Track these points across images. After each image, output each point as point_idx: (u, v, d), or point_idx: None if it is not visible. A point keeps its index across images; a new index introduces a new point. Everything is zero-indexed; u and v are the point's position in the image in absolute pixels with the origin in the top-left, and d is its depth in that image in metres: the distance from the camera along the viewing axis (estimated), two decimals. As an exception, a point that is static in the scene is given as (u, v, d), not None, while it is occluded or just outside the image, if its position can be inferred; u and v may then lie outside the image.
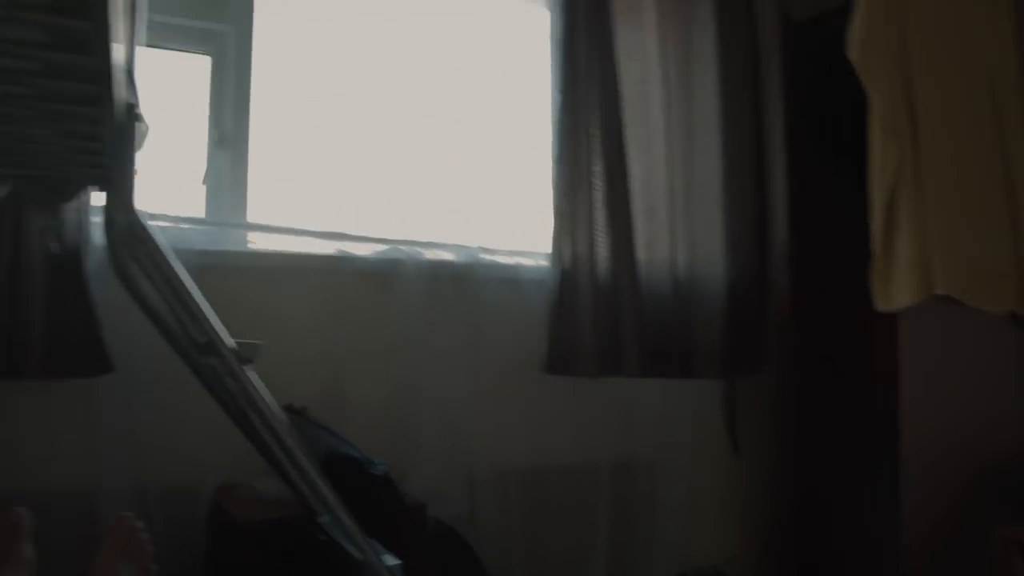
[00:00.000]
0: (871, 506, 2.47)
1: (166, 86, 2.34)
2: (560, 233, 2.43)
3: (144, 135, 1.60)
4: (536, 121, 2.62)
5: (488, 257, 2.47)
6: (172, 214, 2.19)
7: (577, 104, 2.47)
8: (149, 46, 2.31)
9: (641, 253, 2.52)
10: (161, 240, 1.34)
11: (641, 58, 2.62)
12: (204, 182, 2.33)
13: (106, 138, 1.28)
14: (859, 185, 2.26)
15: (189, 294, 1.35)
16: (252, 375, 1.39)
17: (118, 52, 1.00)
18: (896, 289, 2.10)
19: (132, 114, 1.30)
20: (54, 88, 1.06)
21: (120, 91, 1.12)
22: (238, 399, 1.52)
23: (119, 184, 1.32)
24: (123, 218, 1.32)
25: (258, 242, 2.31)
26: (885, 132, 2.05)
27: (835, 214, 2.67)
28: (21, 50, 0.99)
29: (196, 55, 2.41)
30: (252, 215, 2.36)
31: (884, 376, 2.37)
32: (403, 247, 2.39)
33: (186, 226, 2.20)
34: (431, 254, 2.40)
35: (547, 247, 2.46)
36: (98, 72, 0.97)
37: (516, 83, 2.69)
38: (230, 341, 1.37)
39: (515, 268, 2.48)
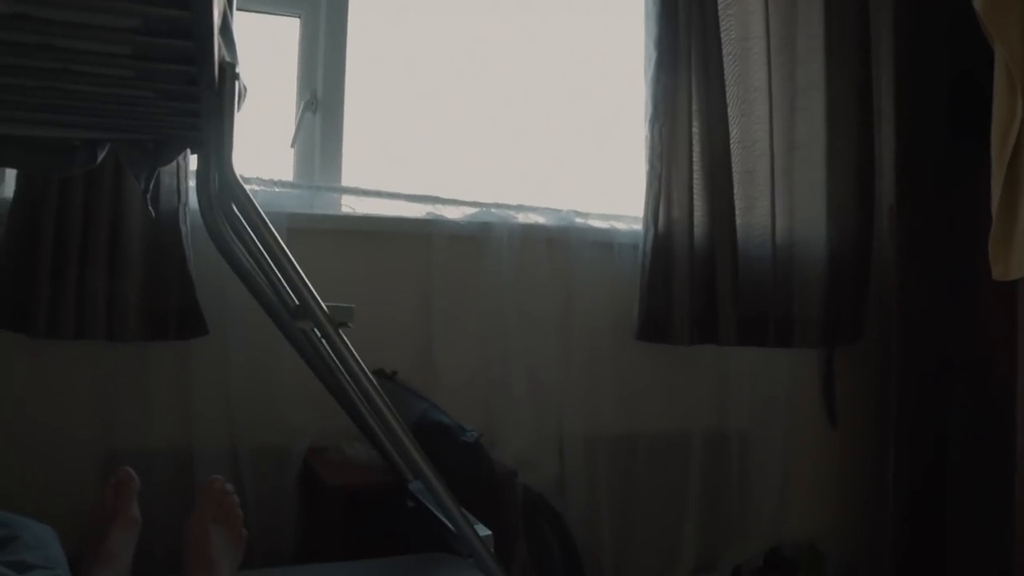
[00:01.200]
0: (979, 485, 2.36)
1: (252, 48, 2.31)
2: (655, 196, 2.35)
3: (242, 96, 1.58)
4: (630, 79, 2.53)
5: (581, 221, 2.41)
6: (263, 177, 2.17)
7: (675, 61, 2.37)
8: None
9: (739, 217, 2.42)
10: (256, 204, 1.31)
11: (742, 13, 2.51)
12: (293, 145, 2.31)
13: (203, 99, 1.25)
14: (976, 150, 2.12)
15: (285, 255, 1.32)
16: (344, 339, 1.36)
17: (215, 8, 0.96)
18: (1017, 257, 1.96)
19: (230, 73, 1.27)
20: (151, 46, 1.03)
21: (217, 49, 1.08)
22: (330, 362, 1.50)
23: (216, 145, 1.30)
24: (219, 179, 1.30)
25: (349, 206, 2.28)
26: (1012, 88, 1.90)
27: (948, 178, 2.53)
28: (118, 6, 0.96)
29: (284, 16, 2.38)
30: (344, 179, 2.33)
31: (1001, 344, 2.24)
32: (494, 210, 2.34)
33: (277, 189, 2.18)
34: (523, 218, 2.35)
35: (641, 211, 2.38)
36: (195, 28, 0.94)
37: (610, 40, 2.60)
38: (323, 304, 1.34)
39: (608, 232, 2.41)
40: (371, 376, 1.42)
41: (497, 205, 2.36)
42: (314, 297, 1.33)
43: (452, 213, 2.31)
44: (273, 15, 2.38)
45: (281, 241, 1.34)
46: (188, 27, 0.94)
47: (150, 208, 1.62)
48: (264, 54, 2.37)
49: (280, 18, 2.39)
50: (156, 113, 1.38)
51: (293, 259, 1.33)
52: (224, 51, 1.27)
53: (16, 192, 1.91)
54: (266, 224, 1.31)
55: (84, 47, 1.06)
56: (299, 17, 2.38)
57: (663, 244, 2.34)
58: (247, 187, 2.09)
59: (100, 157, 1.59)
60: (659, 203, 2.35)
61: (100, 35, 1.03)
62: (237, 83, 1.35)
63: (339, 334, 1.33)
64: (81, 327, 1.89)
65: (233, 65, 1.25)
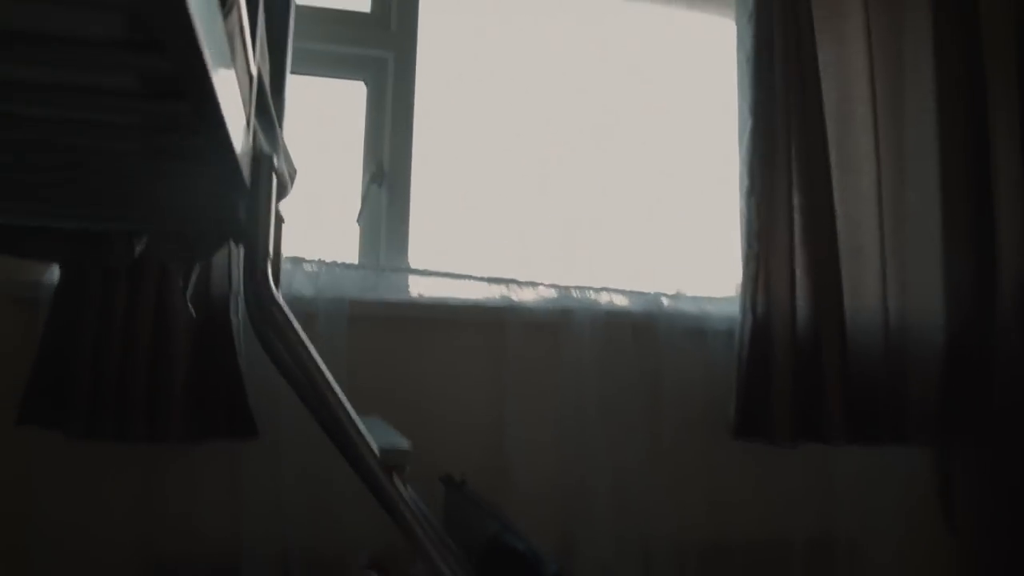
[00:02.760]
0: None
1: (315, 113, 2.11)
2: (753, 277, 2.06)
3: (290, 181, 1.36)
4: (724, 149, 2.26)
5: (670, 304, 2.13)
6: (324, 258, 1.95)
7: (772, 128, 2.10)
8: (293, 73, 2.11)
9: (847, 299, 2.11)
10: (291, 319, 1.07)
11: (844, 74, 2.23)
12: (359, 221, 2.09)
13: (238, 190, 1.03)
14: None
15: (329, 388, 1.07)
16: (398, 486, 1.10)
17: (230, 94, 0.73)
18: None
19: (266, 166, 1.04)
20: (158, 141, 0.81)
21: (241, 141, 0.85)
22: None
23: (251, 240, 1.06)
24: (251, 292, 1.06)
25: (417, 288, 2.05)
26: None
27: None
28: (112, 101, 0.74)
29: (349, 81, 2.18)
30: (412, 258, 2.09)
31: None
32: (575, 293, 2.08)
33: (339, 270, 1.95)
34: (606, 301, 2.08)
35: (737, 293, 2.10)
36: (200, 122, 0.70)
37: (701, 107, 2.34)
38: (375, 445, 1.09)
39: (700, 318, 2.13)
40: (429, 517, 1.16)
41: (578, 287, 2.10)
42: (363, 439, 1.07)
43: (529, 296, 2.05)
44: (337, 79, 2.18)
45: (325, 372, 1.08)
46: (194, 123, 0.70)
47: (189, 307, 1.40)
48: (329, 121, 2.16)
49: (345, 83, 2.19)
50: (189, 205, 1.16)
51: (339, 393, 1.08)
52: (260, 138, 1.04)
53: (60, 280, 1.72)
54: (306, 350, 1.07)
55: (86, 144, 0.85)
56: (364, 82, 2.17)
57: (762, 331, 2.05)
58: (308, 268, 1.93)
59: (138, 250, 1.39)
60: (757, 286, 2.06)
61: (101, 130, 0.81)
62: (280, 171, 1.13)
63: (393, 481, 1.07)
64: (121, 428, 1.68)
65: (270, 157, 1.03)
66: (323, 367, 1.09)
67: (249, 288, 1.05)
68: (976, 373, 2.20)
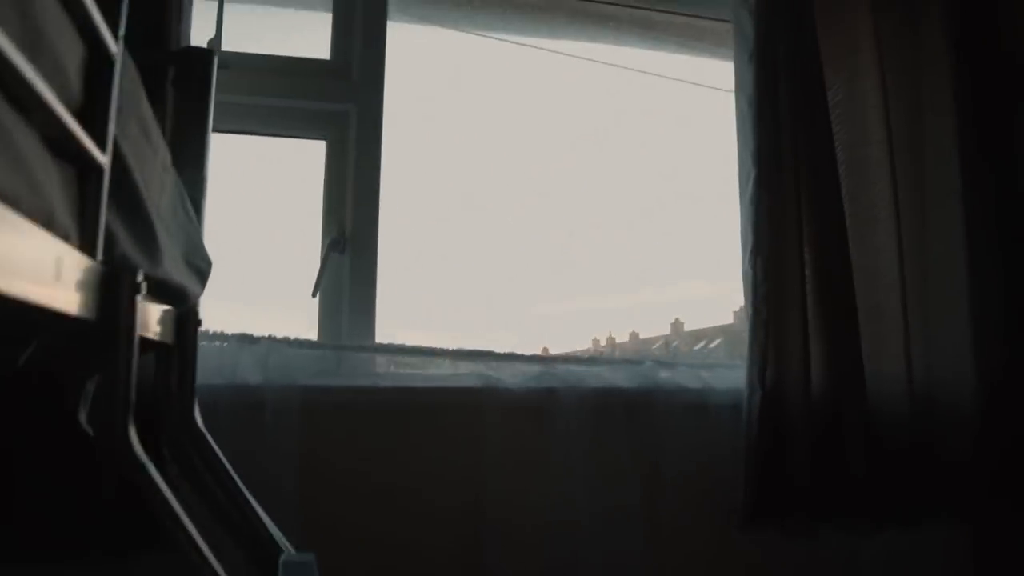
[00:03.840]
0: None
1: (268, 176, 1.88)
2: (761, 347, 1.80)
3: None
4: (723, 201, 2.01)
5: (667, 377, 1.87)
6: (278, 335, 1.71)
7: (778, 177, 1.85)
8: (240, 132, 1.89)
9: (867, 365, 1.85)
10: (160, 485, 0.81)
11: (856, 112, 1.98)
12: (315, 295, 1.84)
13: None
14: None
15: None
16: None
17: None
18: None
19: (125, 282, 0.79)
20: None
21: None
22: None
23: (108, 379, 0.81)
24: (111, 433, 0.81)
25: (382, 367, 1.80)
26: None
27: None
28: None
29: (306, 140, 1.94)
30: (379, 334, 1.84)
31: None
32: (559, 367, 1.82)
33: (290, 350, 1.70)
34: (595, 375, 1.82)
35: (743, 361, 1.84)
36: None
37: (693, 155, 2.10)
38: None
39: (702, 392, 1.86)
40: None
41: (563, 359, 1.85)
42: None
43: (508, 373, 1.79)
44: (293, 138, 1.94)
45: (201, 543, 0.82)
46: None
47: (85, 427, 1.15)
48: (284, 184, 1.93)
49: (302, 142, 1.95)
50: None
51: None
52: (123, 247, 0.80)
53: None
54: (181, 525, 0.81)
55: None
56: (325, 140, 1.93)
57: (772, 405, 1.78)
58: (257, 348, 1.68)
59: (22, 358, 1.14)
60: (766, 355, 1.80)
61: None
62: (162, 281, 0.89)
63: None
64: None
65: (133, 272, 0.78)
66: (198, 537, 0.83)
67: (103, 441, 0.79)
68: (1012, 440, 1.93)
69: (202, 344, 1.67)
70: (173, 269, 0.96)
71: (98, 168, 0.74)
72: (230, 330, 1.69)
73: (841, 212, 1.86)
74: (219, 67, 1.82)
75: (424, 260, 1.96)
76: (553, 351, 2.05)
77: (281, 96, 1.89)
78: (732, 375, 1.91)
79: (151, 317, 0.95)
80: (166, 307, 1.07)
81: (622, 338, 2.25)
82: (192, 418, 1.16)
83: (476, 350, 1.82)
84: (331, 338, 1.82)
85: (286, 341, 1.72)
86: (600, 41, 2.15)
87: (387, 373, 1.81)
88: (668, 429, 1.80)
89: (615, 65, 2.15)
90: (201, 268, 1.11)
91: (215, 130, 1.87)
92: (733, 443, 1.81)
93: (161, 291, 0.95)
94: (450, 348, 1.80)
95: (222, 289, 1.89)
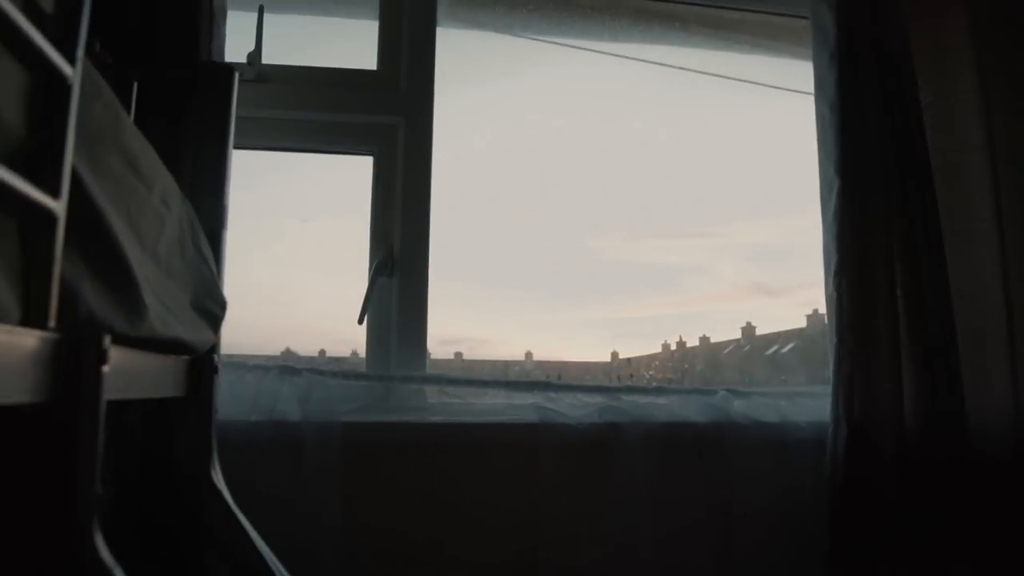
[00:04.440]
0: None
1: (311, 195, 1.76)
2: (847, 378, 1.60)
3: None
4: (801, 217, 1.81)
5: (742, 408, 1.68)
6: (322, 367, 1.58)
7: (865, 189, 1.65)
8: (282, 149, 1.77)
9: (968, 398, 1.63)
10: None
11: (951, 115, 1.77)
12: (361, 322, 1.70)
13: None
14: None
15: None
16: None
17: None
18: None
19: (86, 349, 0.66)
20: None
21: None
22: None
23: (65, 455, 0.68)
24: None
25: (433, 397, 1.66)
26: None
27: None
28: None
29: (354, 155, 1.81)
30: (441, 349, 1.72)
31: None
32: (624, 398, 1.65)
33: (336, 384, 1.57)
34: (662, 411, 1.64)
35: (825, 387, 1.65)
36: None
37: (767, 164, 1.91)
38: None
39: (781, 426, 1.67)
40: None
41: (628, 390, 1.68)
42: None
43: (568, 404, 1.63)
44: (337, 154, 1.82)
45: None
46: None
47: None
48: (330, 202, 1.81)
49: (348, 158, 1.82)
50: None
51: None
52: (88, 303, 0.66)
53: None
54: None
55: None
56: (372, 155, 1.79)
57: (860, 441, 1.58)
58: (298, 380, 1.56)
59: None
60: (852, 387, 1.60)
61: None
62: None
63: None
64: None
65: (96, 338, 0.64)
66: None
67: (61, 547, 0.65)
68: None
69: (239, 377, 1.57)
70: (170, 319, 0.83)
71: (47, 218, 0.60)
72: (270, 361, 1.57)
73: (937, 226, 1.65)
74: (259, 81, 1.71)
75: (482, 271, 1.83)
76: (623, 355, 1.96)
77: (325, 109, 1.76)
78: (813, 406, 1.72)
79: (146, 375, 0.82)
80: (174, 357, 0.94)
81: (692, 342, 2.11)
82: (209, 475, 1.03)
83: (533, 380, 1.67)
84: (379, 368, 1.69)
85: (330, 373, 1.59)
86: (666, 43, 1.97)
87: (438, 404, 1.66)
88: (743, 467, 1.61)
89: (683, 68, 1.97)
90: (213, 312, 0.98)
91: (254, 148, 1.78)
92: (815, 483, 1.61)
93: (156, 346, 0.82)
94: (504, 379, 1.65)
95: (263, 317, 1.80)
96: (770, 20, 2.01)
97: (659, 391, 1.71)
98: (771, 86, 2.06)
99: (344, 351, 1.74)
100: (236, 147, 1.70)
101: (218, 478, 1.05)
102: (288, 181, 1.84)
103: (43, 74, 0.61)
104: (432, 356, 1.84)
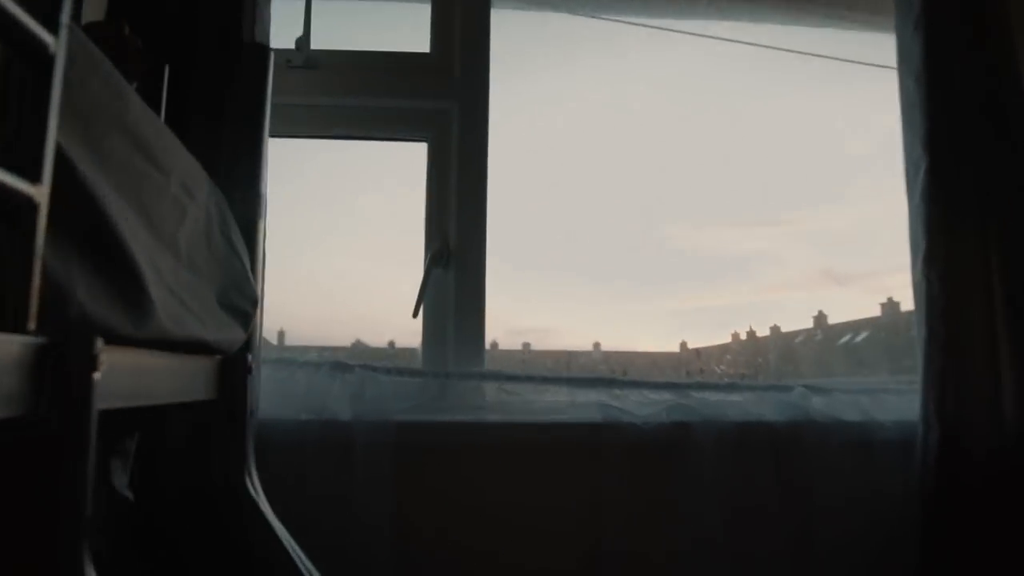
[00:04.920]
0: None
1: (363, 183, 1.68)
2: (938, 374, 1.45)
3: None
4: (875, 202, 1.67)
5: (822, 406, 1.54)
6: (375, 363, 1.50)
7: (956, 167, 1.49)
8: (333, 137, 1.69)
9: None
10: None
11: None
12: (416, 315, 1.61)
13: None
14: None
15: None
16: None
17: None
18: None
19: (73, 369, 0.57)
20: None
21: None
22: None
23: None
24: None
25: (492, 395, 1.56)
26: None
27: None
28: None
29: (407, 142, 1.72)
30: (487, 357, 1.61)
31: None
32: (694, 395, 1.53)
33: (388, 380, 1.49)
34: (735, 408, 1.51)
35: (911, 385, 1.50)
36: None
37: (843, 143, 1.76)
38: None
39: (864, 426, 1.52)
40: None
41: (698, 386, 1.56)
42: None
43: (635, 402, 1.51)
44: (389, 140, 1.73)
45: None
46: None
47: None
48: (383, 191, 1.72)
49: (402, 145, 1.73)
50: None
51: None
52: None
53: None
54: None
55: None
56: (425, 141, 1.70)
57: (953, 449, 1.43)
58: (351, 375, 1.48)
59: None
60: (945, 386, 1.45)
61: None
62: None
63: None
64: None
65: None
66: None
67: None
68: None
69: (290, 374, 1.50)
70: (187, 318, 0.74)
71: (27, 205, 0.52)
72: (338, 354, 1.50)
73: (1038, 206, 1.49)
74: (308, 67, 1.63)
75: (548, 260, 1.73)
76: (692, 345, 1.87)
77: (377, 95, 1.67)
78: (898, 403, 1.57)
79: (161, 378, 0.74)
80: (200, 357, 0.86)
81: (763, 332, 1.98)
82: (244, 483, 0.95)
83: (596, 376, 1.56)
84: (435, 364, 1.60)
85: (383, 369, 1.50)
86: (734, 18, 1.83)
87: (497, 402, 1.57)
88: (823, 470, 1.47)
89: (753, 44, 1.83)
90: (243, 308, 0.90)
91: (304, 136, 1.70)
92: (902, 488, 1.47)
93: (172, 346, 0.74)
94: (566, 375, 1.55)
95: (314, 310, 1.73)
96: (846, -11, 1.86)
97: (731, 387, 1.58)
98: (847, 60, 1.90)
99: (415, 343, 1.65)
100: (285, 135, 1.66)
101: (254, 486, 0.97)
102: (341, 169, 1.76)
103: (20, 45, 0.53)
104: (499, 346, 1.79)
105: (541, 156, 1.79)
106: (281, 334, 1.81)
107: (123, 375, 0.63)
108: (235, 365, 0.93)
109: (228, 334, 0.86)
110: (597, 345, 1.91)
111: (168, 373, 0.75)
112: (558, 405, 1.55)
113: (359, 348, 1.78)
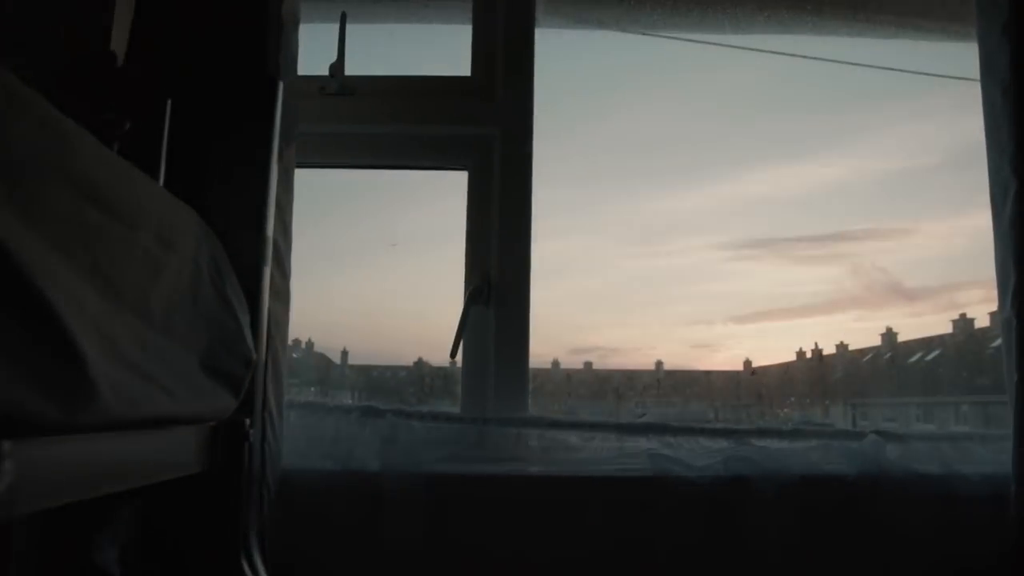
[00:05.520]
0: None
1: (401, 214, 1.59)
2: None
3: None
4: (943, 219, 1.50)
5: (898, 455, 1.37)
6: (407, 407, 1.39)
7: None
8: (369, 166, 1.60)
9: None
10: None
11: None
12: (454, 356, 1.50)
13: None
14: None
15: None
16: None
17: None
18: None
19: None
20: None
21: None
22: None
23: None
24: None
25: (534, 443, 1.43)
26: None
27: None
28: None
29: (448, 171, 1.62)
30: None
31: None
32: (756, 443, 1.38)
33: (423, 426, 1.37)
34: (800, 458, 1.36)
35: (1001, 438, 1.33)
36: None
37: (919, 162, 1.60)
38: None
39: (946, 480, 1.34)
40: None
41: (759, 432, 1.41)
42: None
43: (688, 451, 1.37)
44: (432, 170, 1.63)
45: None
46: None
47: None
48: (422, 223, 1.62)
49: (442, 173, 1.63)
50: None
51: None
52: None
53: None
54: None
55: None
56: (466, 170, 1.59)
57: (1052, 505, 1.25)
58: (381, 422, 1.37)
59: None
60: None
61: None
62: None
63: None
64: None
65: None
66: None
67: None
68: None
69: (319, 420, 1.40)
70: (152, 393, 0.63)
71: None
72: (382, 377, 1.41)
73: None
74: (343, 94, 1.54)
75: (609, 278, 1.64)
76: (756, 364, 1.80)
77: (415, 122, 1.57)
78: (984, 453, 1.39)
79: (125, 461, 0.63)
80: (182, 428, 0.75)
81: (829, 349, 1.88)
82: (238, 566, 0.84)
83: (647, 423, 1.42)
84: (474, 408, 1.47)
85: (417, 415, 1.39)
86: (797, 32, 1.69)
87: (540, 448, 1.44)
88: (900, 531, 1.30)
89: (817, 59, 1.68)
90: (233, 371, 0.79)
91: (339, 166, 1.61)
92: (993, 552, 1.29)
93: (130, 426, 0.63)
94: (614, 422, 1.42)
95: (377, 328, 1.67)
96: (921, -4, 1.69)
97: (796, 434, 1.43)
98: (920, 72, 1.74)
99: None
100: (320, 166, 1.57)
101: (252, 566, 0.85)
102: (377, 200, 1.67)
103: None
104: (562, 365, 1.77)
105: (595, 176, 1.69)
106: (344, 353, 1.78)
107: (53, 469, 0.53)
108: (230, 432, 0.83)
109: (210, 404, 0.75)
110: (659, 364, 1.82)
111: (130, 453, 0.65)
112: (606, 454, 1.42)
113: (422, 367, 1.74)
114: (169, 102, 0.93)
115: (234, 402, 0.80)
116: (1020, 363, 1.28)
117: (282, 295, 1.21)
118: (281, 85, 1.02)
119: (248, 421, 0.86)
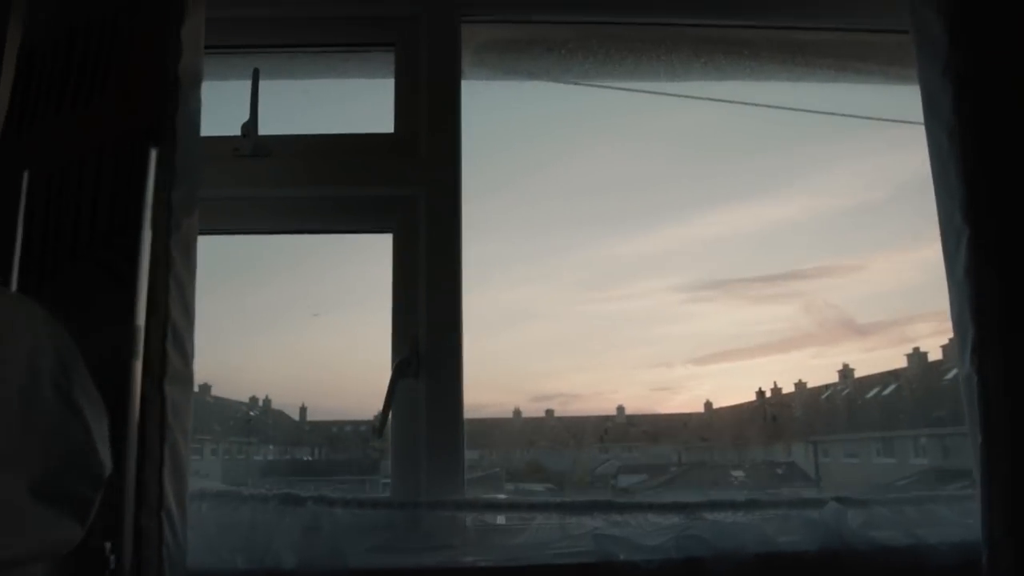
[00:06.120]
0: None
1: (319, 283, 1.47)
2: (1002, 481, 1.17)
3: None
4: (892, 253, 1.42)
5: (858, 522, 1.26)
6: (331, 494, 1.25)
7: (1007, 238, 1.23)
8: (286, 231, 1.49)
9: None
10: None
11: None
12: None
13: None
14: None
15: None
16: None
17: None
18: None
19: None
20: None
21: None
22: None
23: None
24: None
25: (472, 526, 1.30)
26: None
27: None
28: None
29: (370, 234, 1.50)
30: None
31: None
32: (707, 517, 1.27)
33: (347, 513, 1.24)
34: (755, 533, 1.24)
35: (971, 500, 1.22)
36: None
37: (863, 207, 1.53)
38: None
39: (914, 550, 1.23)
40: None
41: (710, 505, 1.29)
42: None
43: (636, 529, 1.25)
44: (353, 233, 1.51)
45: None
46: None
47: None
48: (343, 291, 1.50)
49: (365, 237, 1.51)
50: None
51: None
52: None
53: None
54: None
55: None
56: (391, 233, 1.47)
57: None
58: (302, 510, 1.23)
59: None
60: (1016, 498, 1.16)
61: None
62: None
63: None
64: None
65: None
66: None
67: None
68: None
69: (233, 509, 1.26)
70: None
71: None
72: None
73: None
74: (257, 155, 1.43)
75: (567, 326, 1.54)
76: (717, 404, 1.77)
77: (335, 183, 1.45)
78: (951, 515, 1.29)
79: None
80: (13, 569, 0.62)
81: (788, 388, 1.83)
82: None
83: (591, 501, 1.29)
84: (405, 492, 1.34)
85: (341, 501, 1.25)
86: (734, 77, 1.61)
87: (476, 533, 1.31)
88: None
89: (755, 104, 1.60)
90: (79, 492, 0.65)
91: (253, 232, 1.49)
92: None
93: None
94: (556, 501, 1.29)
95: (337, 384, 1.54)
96: (858, 39, 1.62)
97: (751, 505, 1.30)
98: (861, 116, 1.68)
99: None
100: (232, 231, 1.45)
101: None
102: (296, 266, 1.55)
103: None
104: (523, 415, 1.72)
105: (543, 224, 1.61)
106: (303, 410, 1.69)
107: None
108: (85, 564, 0.69)
109: (41, 538, 0.61)
110: (621, 409, 1.77)
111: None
112: (549, 533, 1.29)
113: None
114: (26, 174, 0.80)
115: (80, 530, 0.66)
116: (984, 424, 1.18)
117: (183, 379, 1.08)
118: (154, 152, 0.90)
119: (109, 545, 0.72)
